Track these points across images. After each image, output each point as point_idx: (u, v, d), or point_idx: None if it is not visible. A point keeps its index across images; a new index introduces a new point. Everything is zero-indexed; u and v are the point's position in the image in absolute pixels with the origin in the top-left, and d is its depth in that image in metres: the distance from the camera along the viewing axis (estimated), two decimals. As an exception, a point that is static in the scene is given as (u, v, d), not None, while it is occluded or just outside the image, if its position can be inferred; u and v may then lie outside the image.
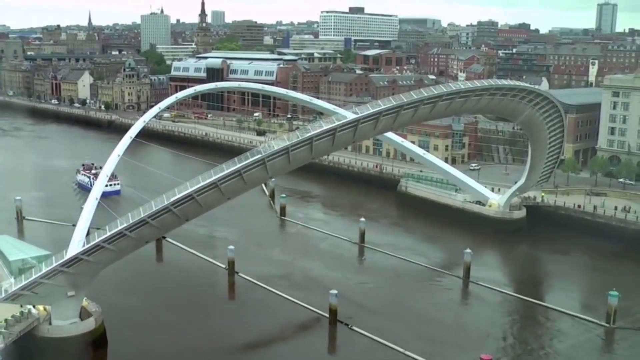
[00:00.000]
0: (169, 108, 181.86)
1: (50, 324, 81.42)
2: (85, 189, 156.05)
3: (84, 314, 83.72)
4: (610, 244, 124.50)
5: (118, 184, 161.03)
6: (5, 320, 77.65)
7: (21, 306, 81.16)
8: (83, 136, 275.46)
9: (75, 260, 78.19)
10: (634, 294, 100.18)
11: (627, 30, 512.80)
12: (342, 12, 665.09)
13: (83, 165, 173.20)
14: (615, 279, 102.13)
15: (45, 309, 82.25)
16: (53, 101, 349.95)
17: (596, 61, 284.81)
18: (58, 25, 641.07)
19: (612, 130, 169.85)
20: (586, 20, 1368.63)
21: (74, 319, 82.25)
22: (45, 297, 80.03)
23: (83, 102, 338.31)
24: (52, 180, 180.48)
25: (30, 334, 79.44)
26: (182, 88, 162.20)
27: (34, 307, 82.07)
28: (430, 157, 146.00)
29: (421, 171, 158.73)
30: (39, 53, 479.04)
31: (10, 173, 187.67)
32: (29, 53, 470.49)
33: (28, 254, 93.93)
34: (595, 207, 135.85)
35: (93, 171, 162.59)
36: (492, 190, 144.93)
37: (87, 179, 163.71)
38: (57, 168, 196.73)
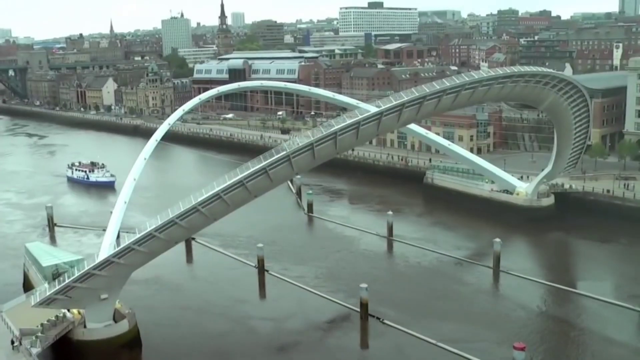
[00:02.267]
0: (192, 111, 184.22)
1: (84, 327, 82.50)
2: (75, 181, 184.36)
3: (117, 316, 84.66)
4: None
5: (111, 174, 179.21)
6: (41, 324, 78.91)
7: (58, 311, 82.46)
8: (111, 141, 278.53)
9: (106, 263, 79.13)
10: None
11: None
12: (361, 8, 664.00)
13: (79, 162, 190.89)
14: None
15: (79, 313, 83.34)
16: (81, 109, 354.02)
17: (620, 44, 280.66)
18: (81, 34, 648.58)
19: (639, 113, 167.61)
20: (608, 3, 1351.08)
21: (108, 322, 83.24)
22: (79, 301, 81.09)
23: (108, 109, 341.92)
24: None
25: (65, 337, 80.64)
26: (205, 90, 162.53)
27: (68, 311, 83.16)
28: (455, 147, 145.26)
29: (440, 161, 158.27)
30: (63, 62, 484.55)
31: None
32: (53, 63, 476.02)
33: (61, 259, 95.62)
34: (624, 191, 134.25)
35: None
36: (520, 178, 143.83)
37: (82, 174, 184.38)
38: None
